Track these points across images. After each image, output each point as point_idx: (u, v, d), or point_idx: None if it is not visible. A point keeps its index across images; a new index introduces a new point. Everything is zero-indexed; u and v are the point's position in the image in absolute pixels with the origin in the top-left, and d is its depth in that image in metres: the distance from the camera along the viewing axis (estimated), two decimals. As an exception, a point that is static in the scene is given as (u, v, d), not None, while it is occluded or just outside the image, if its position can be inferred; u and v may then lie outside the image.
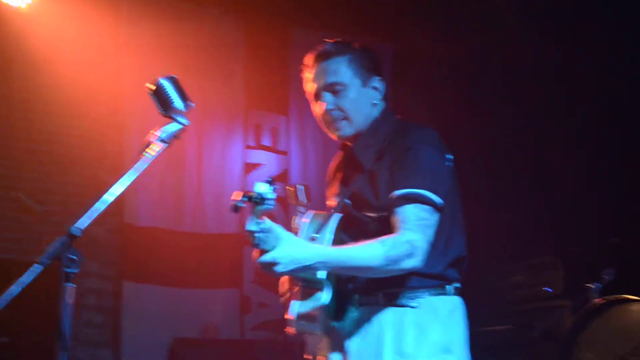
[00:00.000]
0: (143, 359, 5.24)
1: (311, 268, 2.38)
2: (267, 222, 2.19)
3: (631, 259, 4.39)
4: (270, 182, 2.14)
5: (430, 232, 2.45)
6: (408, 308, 2.51)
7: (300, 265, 2.31)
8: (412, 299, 2.51)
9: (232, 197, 2.10)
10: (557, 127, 6.11)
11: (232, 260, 5.76)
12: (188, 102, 2.25)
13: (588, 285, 4.45)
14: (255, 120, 6.05)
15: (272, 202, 2.12)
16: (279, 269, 2.26)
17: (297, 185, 2.79)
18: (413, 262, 2.39)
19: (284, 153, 6.11)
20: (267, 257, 2.23)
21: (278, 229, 2.26)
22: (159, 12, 5.66)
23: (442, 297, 2.54)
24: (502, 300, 5.44)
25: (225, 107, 5.94)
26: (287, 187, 3.01)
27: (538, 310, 5.06)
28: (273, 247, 2.25)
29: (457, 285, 2.60)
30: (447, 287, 2.56)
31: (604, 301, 4.13)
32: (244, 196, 2.09)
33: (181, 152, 5.60)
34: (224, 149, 5.90)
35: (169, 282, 5.39)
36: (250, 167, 5.99)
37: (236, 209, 2.11)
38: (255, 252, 2.29)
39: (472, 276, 5.12)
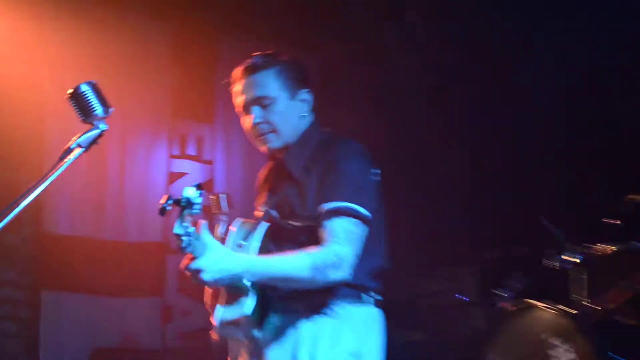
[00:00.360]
0: None
1: (238, 277, 2.40)
2: (195, 229, 2.20)
3: (538, 267, 4.41)
4: (198, 187, 2.16)
5: (357, 245, 2.50)
6: (326, 317, 2.54)
7: (227, 274, 2.34)
8: (331, 308, 2.54)
9: (160, 201, 2.13)
10: (470, 140, 6.24)
11: (155, 268, 5.69)
12: (108, 108, 2.24)
13: (496, 291, 4.55)
14: (181, 129, 6.04)
15: (198, 207, 2.15)
16: (206, 277, 2.28)
17: (219, 194, 2.78)
18: (340, 274, 2.43)
19: (209, 162, 6.11)
20: (194, 265, 2.26)
21: (207, 237, 2.29)
22: (84, 20, 5.48)
23: (359, 306, 2.58)
24: (417, 307, 5.49)
25: (150, 115, 5.90)
26: (210, 196, 2.74)
27: (452, 317, 5.15)
28: (201, 255, 2.28)
29: (377, 295, 2.66)
30: (365, 297, 2.60)
31: (511, 307, 4.20)
32: (170, 199, 2.13)
33: (103, 160, 5.52)
34: (148, 157, 5.86)
35: (89, 291, 5.29)
36: (174, 177, 5.95)
37: (163, 211, 2.14)
38: (184, 260, 2.32)
39: (386, 284, 5.24)
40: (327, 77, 6.51)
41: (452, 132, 6.36)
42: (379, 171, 2.70)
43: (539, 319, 4.05)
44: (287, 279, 2.49)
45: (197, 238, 2.25)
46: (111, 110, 2.25)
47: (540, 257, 4.36)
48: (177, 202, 2.14)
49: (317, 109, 2.82)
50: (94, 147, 2.26)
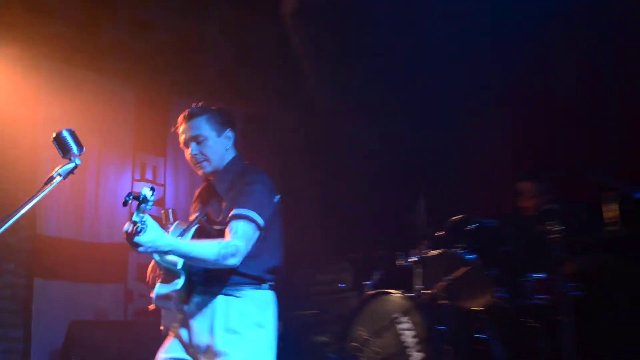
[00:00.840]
0: (48, 336, 5.20)
1: (165, 252, 2.46)
2: (147, 217, 2.26)
3: (392, 265, 4.57)
4: (152, 189, 2.23)
5: (250, 243, 2.64)
6: (234, 297, 2.70)
7: (157, 249, 2.36)
8: (238, 291, 2.71)
9: (125, 196, 2.20)
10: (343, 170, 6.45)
11: (120, 262, 5.78)
12: (81, 148, 2.37)
13: (364, 282, 4.69)
14: (141, 159, 6.16)
15: (151, 203, 2.23)
16: (142, 249, 2.30)
17: (168, 209, 2.95)
18: (234, 261, 2.58)
19: (162, 185, 6.26)
20: (138, 237, 2.26)
21: (154, 223, 2.31)
22: (69, 78, 5.68)
23: (259, 290, 2.76)
24: (310, 292, 5.68)
25: (119, 150, 6.02)
26: (161, 211, 2.92)
27: (335, 300, 5.32)
28: (144, 232, 2.27)
29: (272, 284, 2.82)
30: (263, 284, 2.78)
31: (373, 293, 4.28)
32: (131, 195, 2.21)
33: (83, 180, 5.65)
34: (117, 179, 5.98)
35: (70, 278, 5.44)
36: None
37: (125, 203, 2.20)
38: (126, 227, 2.29)
39: (291, 274, 5.63)
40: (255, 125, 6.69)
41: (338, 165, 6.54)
42: (278, 196, 2.87)
43: (391, 301, 4.11)
44: (199, 259, 2.54)
45: (146, 225, 2.26)
46: (84, 150, 2.38)
47: (393, 258, 4.52)
48: (135, 197, 2.20)
49: (239, 145, 2.97)
50: (77, 171, 2.39)
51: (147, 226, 2.27)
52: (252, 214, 2.66)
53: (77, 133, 2.38)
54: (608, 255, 4.28)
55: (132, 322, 5.81)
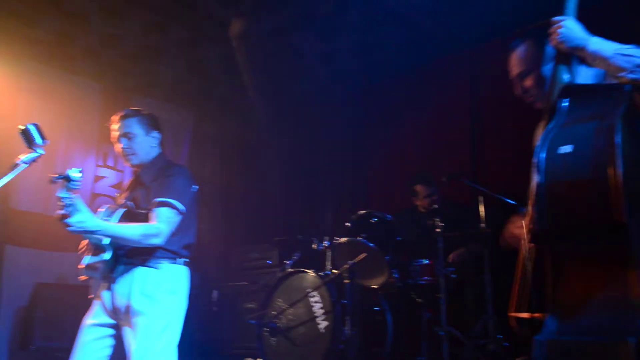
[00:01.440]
0: (16, 295, 5.09)
1: (95, 233, 2.44)
2: (75, 198, 2.22)
3: (309, 248, 4.56)
4: (80, 171, 2.18)
5: (172, 225, 2.65)
6: (153, 268, 2.69)
7: (87, 229, 2.36)
8: (156, 263, 2.69)
9: (50, 175, 2.15)
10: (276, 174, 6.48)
11: (79, 235, 5.58)
12: (44, 140, 2.33)
13: (285, 261, 4.70)
14: (104, 149, 5.99)
15: (77, 183, 2.18)
16: (72, 228, 2.30)
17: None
18: (157, 241, 2.59)
19: (121, 171, 6.10)
20: (71, 219, 2.27)
21: (82, 205, 2.30)
22: (46, 77, 5.57)
23: (175, 264, 2.75)
24: (243, 267, 5.58)
25: (86, 139, 5.88)
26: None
27: (262, 274, 5.28)
28: (75, 214, 2.28)
29: (186, 259, 2.80)
30: (179, 259, 2.76)
31: (291, 271, 4.29)
32: (58, 175, 2.18)
33: (52, 165, 5.38)
34: (82, 165, 5.76)
35: (37, 246, 5.33)
36: (98, 178, 5.96)
37: (52, 182, 2.17)
38: (60, 217, 2.26)
39: (226, 253, 5.60)
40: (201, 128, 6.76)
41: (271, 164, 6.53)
42: (197, 186, 2.85)
43: (305, 278, 4.13)
44: (124, 239, 2.54)
45: (73, 204, 2.22)
46: (47, 142, 2.33)
47: (310, 242, 4.55)
48: (62, 177, 2.17)
49: (164, 144, 2.97)
50: (47, 155, 2.37)
51: (75, 208, 2.22)
52: (174, 202, 2.66)
53: (51, 123, 2.38)
54: (476, 246, 4.41)
55: (87, 286, 5.54)
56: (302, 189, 6.29)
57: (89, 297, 2.81)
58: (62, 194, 2.19)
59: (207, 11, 4.95)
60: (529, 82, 2.15)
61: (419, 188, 4.91)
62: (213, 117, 6.63)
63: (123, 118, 2.87)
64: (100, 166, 6.05)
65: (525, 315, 1.75)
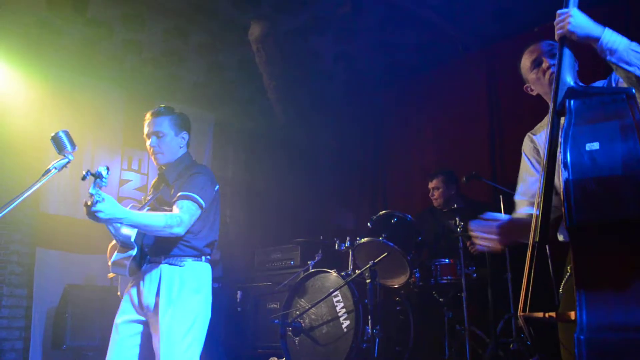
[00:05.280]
0: (47, 295, 5.14)
1: (119, 220, 2.40)
2: (102, 193, 2.24)
3: (331, 249, 4.55)
4: (107, 168, 2.20)
5: (193, 218, 2.64)
6: (177, 266, 2.69)
7: (112, 216, 2.33)
8: (180, 261, 2.70)
9: (83, 172, 2.17)
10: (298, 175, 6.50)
11: (107, 237, 5.28)
12: (74, 147, 2.34)
13: (308, 262, 4.73)
14: (129, 153, 6.02)
15: (105, 180, 2.21)
16: (100, 215, 2.29)
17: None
18: (178, 230, 2.57)
19: (145, 174, 6.12)
20: (95, 207, 2.27)
21: (107, 196, 2.31)
22: (73, 84, 5.62)
23: (199, 262, 2.75)
24: (266, 267, 5.56)
25: (110, 143, 5.91)
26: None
27: (285, 274, 5.21)
28: (101, 203, 2.28)
29: (209, 257, 2.80)
30: (203, 257, 2.76)
31: (313, 271, 4.27)
32: (89, 172, 2.20)
33: (79, 169, 5.23)
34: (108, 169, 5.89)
35: (66, 249, 5.35)
36: (123, 182, 5.98)
37: (83, 178, 2.18)
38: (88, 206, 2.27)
39: (249, 253, 5.60)
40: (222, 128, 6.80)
41: (292, 165, 6.54)
42: (218, 186, 2.84)
43: (328, 278, 4.13)
44: (148, 226, 2.51)
45: (102, 199, 2.25)
46: (76, 148, 2.34)
47: (332, 242, 4.49)
48: (93, 174, 2.19)
49: (190, 145, 2.95)
50: (75, 160, 2.37)
51: (103, 198, 2.24)
52: (195, 196, 2.67)
53: (77, 129, 2.41)
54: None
55: (115, 287, 5.56)
56: (323, 190, 6.30)
57: (118, 294, 2.82)
58: (92, 190, 2.21)
59: (226, 16, 4.96)
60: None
61: (434, 182, 4.85)
62: (234, 120, 6.68)
63: (155, 115, 2.85)
64: (125, 170, 6.06)
65: (536, 314, 1.72)
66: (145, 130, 2.86)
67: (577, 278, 1.61)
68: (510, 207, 4.05)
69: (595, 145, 1.64)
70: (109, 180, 5.67)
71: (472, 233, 2.11)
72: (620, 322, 1.48)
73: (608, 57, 1.87)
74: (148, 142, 2.85)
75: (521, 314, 1.81)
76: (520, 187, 2.27)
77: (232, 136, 6.76)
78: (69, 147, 2.35)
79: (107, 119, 5.89)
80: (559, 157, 1.67)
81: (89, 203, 2.22)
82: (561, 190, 1.62)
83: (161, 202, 2.78)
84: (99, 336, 4.79)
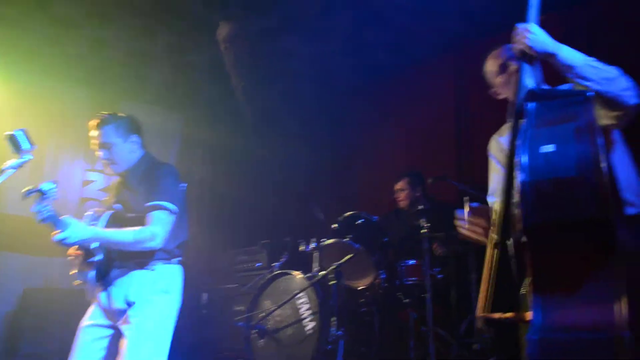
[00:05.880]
0: (4, 299, 5.02)
1: (89, 241, 2.46)
2: (49, 211, 2.25)
3: (297, 250, 4.45)
4: (54, 182, 2.22)
5: (167, 227, 2.61)
6: (147, 270, 2.67)
7: (82, 239, 2.40)
8: (151, 265, 2.68)
9: (25, 188, 2.16)
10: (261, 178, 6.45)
11: None
12: (32, 145, 2.32)
13: (274, 263, 4.69)
14: (92, 153, 5.68)
15: (49, 197, 2.23)
16: (68, 241, 2.34)
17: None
18: (154, 244, 2.56)
19: (110, 174, 5.94)
20: (60, 235, 2.30)
21: (69, 219, 2.35)
22: (38, 84, 5.51)
23: (169, 265, 2.73)
24: (232, 270, 5.49)
25: (74, 143, 5.82)
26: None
27: (251, 276, 5.18)
28: (64, 229, 2.31)
29: (180, 258, 2.78)
30: (173, 259, 2.74)
31: (278, 272, 4.23)
32: (31, 189, 2.20)
33: (41, 169, 5.46)
34: (71, 169, 5.79)
35: (25, 251, 5.26)
36: (87, 182, 5.92)
37: (24, 197, 2.19)
38: (53, 233, 2.31)
39: (215, 256, 5.53)
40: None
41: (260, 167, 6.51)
42: (184, 184, 2.80)
43: (293, 280, 4.08)
44: (117, 244, 2.54)
45: (49, 216, 2.25)
46: (34, 147, 2.31)
47: (298, 244, 4.45)
48: (35, 191, 2.19)
49: (147, 145, 2.87)
50: (36, 160, 2.40)
51: (56, 220, 2.24)
52: (165, 203, 2.63)
53: (40, 129, 2.33)
54: (460, 247, 4.35)
55: (76, 290, 5.48)
56: (289, 191, 6.25)
57: (88, 299, 2.79)
58: (36, 207, 2.20)
59: (195, 15, 4.90)
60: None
61: (400, 184, 4.87)
62: (201, 121, 6.56)
63: (100, 126, 2.78)
64: (89, 170, 6.00)
65: (495, 315, 1.74)
66: (94, 142, 2.80)
67: (533, 279, 1.62)
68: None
69: (551, 147, 1.68)
70: (72, 181, 5.83)
71: (460, 222, 2.12)
72: (573, 323, 1.49)
73: (567, 73, 1.96)
74: (99, 154, 2.79)
75: (479, 314, 1.82)
76: (491, 187, 2.34)
77: (201, 137, 6.66)
78: (26, 145, 2.31)
79: (71, 119, 5.75)
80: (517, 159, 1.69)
81: (55, 233, 2.22)
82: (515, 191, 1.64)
83: (128, 209, 2.73)
84: (59, 341, 4.65)
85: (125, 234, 2.52)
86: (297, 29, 5.14)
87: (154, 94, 6.20)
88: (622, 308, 1.45)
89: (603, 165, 1.55)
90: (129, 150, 2.82)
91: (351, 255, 3.89)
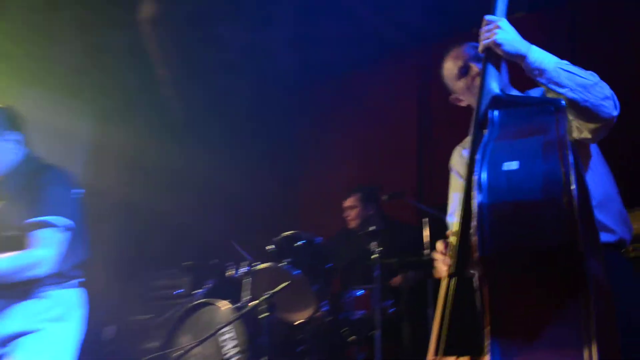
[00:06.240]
0: None
1: None
2: None
3: (223, 275, 4.48)
4: None
5: (58, 248, 2.54)
6: (37, 299, 2.60)
7: None
8: (41, 293, 2.60)
9: None
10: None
11: None
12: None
13: (196, 290, 4.65)
14: None
15: None
16: None
17: None
18: (38, 271, 2.49)
19: None
20: None
21: None
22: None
23: (65, 289, 2.67)
24: (148, 297, 5.42)
25: None
26: None
27: (170, 305, 5.07)
28: None
29: (80, 279, 2.73)
30: (71, 282, 2.69)
31: (200, 301, 4.18)
32: None
33: None
34: None
35: None
36: None
37: None
38: None
39: (127, 280, 5.42)
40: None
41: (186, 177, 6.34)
42: (81, 190, 2.74)
43: (217, 311, 4.05)
44: None
45: None
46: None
47: (226, 268, 4.46)
48: None
49: (29, 143, 2.78)
50: None
51: None
52: (53, 219, 2.55)
53: None
54: (417, 274, 4.41)
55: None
56: (220, 205, 6.21)
57: None
58: None
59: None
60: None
61: (350, 201, 4.90)
62: (116, 116, 6.43)
63: None
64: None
65: (450, 359, 1.74)
66: None
67: (490, 319, 1.61)
68: (437, 232, 4.16)
69: (514, 165, 1.68)
70: None
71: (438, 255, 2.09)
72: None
73: (537, 78, 1.98)
74: None
75: (431, 358, 1.80)
76: (451, 207, 2.34)
77: (114, 138, 6.43)
78: None
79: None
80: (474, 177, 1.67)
81: None
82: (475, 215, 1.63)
83: (5, 227, 2.61)
84: None
85: (7, 263, 2.45)
86: (233, 15, 5.16)
87: (60, 80, 5.98)
88: (592, 354, 1.45)
89: (572, 187, 1.55)
90: (7, 151, 2.72)
91: (288, 282, 3.82)
